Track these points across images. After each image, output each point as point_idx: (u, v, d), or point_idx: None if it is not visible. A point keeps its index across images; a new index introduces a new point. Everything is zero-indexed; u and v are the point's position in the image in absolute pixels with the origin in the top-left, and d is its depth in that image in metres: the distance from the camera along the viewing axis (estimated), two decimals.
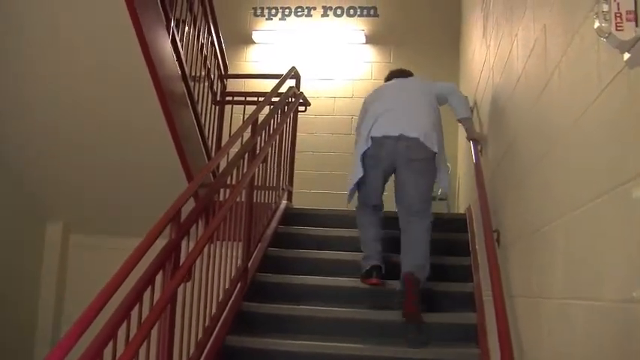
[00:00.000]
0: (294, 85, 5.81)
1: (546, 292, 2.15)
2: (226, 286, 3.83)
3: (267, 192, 4.90)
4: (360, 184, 4.30)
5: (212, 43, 5.48)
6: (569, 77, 1.95)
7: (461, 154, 6.47)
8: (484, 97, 4.27)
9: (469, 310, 4.01)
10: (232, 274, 3.95)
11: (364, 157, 4.22)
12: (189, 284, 3.20)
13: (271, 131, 4.87)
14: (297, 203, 5.99)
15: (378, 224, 4.42)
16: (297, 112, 5.98)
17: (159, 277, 2.91)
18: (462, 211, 5.90)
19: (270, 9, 8.65)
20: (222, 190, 3.90)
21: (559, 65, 2.06)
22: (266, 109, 4.89)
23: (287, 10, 8.67)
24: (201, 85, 5.24)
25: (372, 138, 4.20)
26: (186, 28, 4.81)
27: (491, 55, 3.86)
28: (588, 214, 1.80)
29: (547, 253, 2.15)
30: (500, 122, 3.37)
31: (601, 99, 1.66)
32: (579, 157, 1.93)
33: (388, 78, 4.90)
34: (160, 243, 2.98)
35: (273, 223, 5.03)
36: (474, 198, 4.91)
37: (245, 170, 4.17)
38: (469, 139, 4.46)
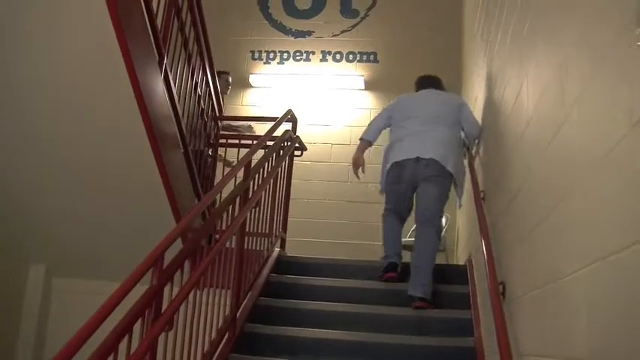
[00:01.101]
0: (290, 128, 5.60)
1: (564, 352, 1.91)
2: (212, 337, 3.56)
3: (259, 238, 4.61)
4: (387, 192, 4.95)
5: (207, 82, 5.27)
6: (590, 117, 1.76)
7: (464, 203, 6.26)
8: (488, 141, 4.08)
9: None
10: (220, 324, 3.68)
11: (388, 174, 4.90)
12: (171, 333, 2.95)
13: (265, 174, 4.68)
14: (291, 251, 5.73)
15: (398, 229, 4.95)
16: (292, 156, 5.78)
17: (138, 326, 2.65)
18: (461, 262, 5.67)
19: (268, 52, 8.58)
20: (211, 235, 3.71)
21: (577, 104, 1.86)
22: (260, 152, 4.65)
23: (285, 54, 8.59)
24: (195, 126, 5.01)
25: (395, 163, 4.82)
26: (180, 65, 4.58)
27: (496, 97, 3.68)
28: (611, 266, 1.59)
29: (565, 308, 1.92)
30: (506, 168, 3.19)
31: (628, 140, 1.45)
32: (601, 206, 1.75)
33: (418, 85, 5.34)
34: (143, 289, 2.73)
35: (265, 271, 4.80)
36: (474, 248, 4.71)
37: (236, 214, 3.89)
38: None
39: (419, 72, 8.38)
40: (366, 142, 5.15)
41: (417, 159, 4.70)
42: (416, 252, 4.61)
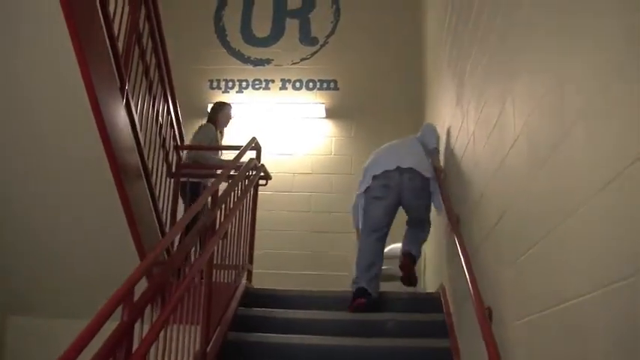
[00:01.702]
0: (254, 157, 5.44)
1: None
2: None
3: (226, 271, 4.51)
4: (366, 211, 5.02)
5: (168, 111, 5.09)
6: (597, 133, 1.66)
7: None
8: (461, 165, 4.00)
9: None
10: None
11: (366, 192, 5.03)
12: None
13: (232, 205, 4.54)
14: (257, 284, 5.56)
15: (375, 252, 4.95)
16: (257, 185, 5.62)
17: None
18: (429, 290, 5.55)
19: (227, 81, 8.46)
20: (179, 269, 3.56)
21: (581, 121, 1.77)
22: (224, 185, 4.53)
23: (244, 83, 8.47)
24: (156, 156, 4.82)
25: (373, 176, 5.01)
26: (141, 93, 4.41)
27: (471, 121, 3.59)
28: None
29: (574, 333, 1.81)
30: (487, 191, 3.07)
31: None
32: (603, 232, 1.69)
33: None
34: (110, 327, 2.54)
35: (233, 305, 4.59)
36: (447, 276, 4.62)
37: (205, 246, 3.72)
38: (435, 167, 5.04)
39: (381, 99, 8.43)
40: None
41: (398, 169, 4.97)
42: (408, 235, 5.20)
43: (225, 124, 6.31)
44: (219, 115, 6.28)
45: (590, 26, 1.78)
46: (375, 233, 4.91)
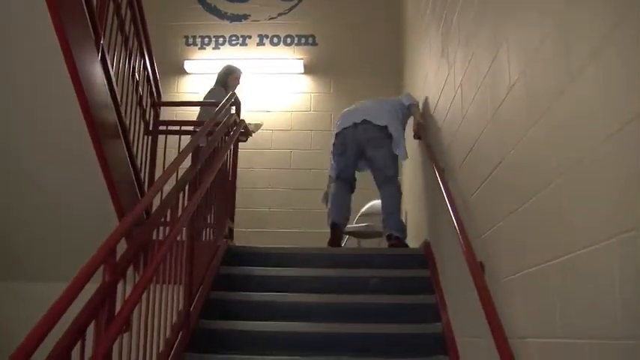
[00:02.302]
0: (234, 112, 5.29)
1: (586, 332, 1.72)
2: (167, 335, 3.27)
3: (208, 229, 4.47)
4: (334, 162, 5.57)
5: (144, 67, 4.90)
6: (605, 82, 1.65)
7: (407, 188, 6.10)
8: (447, 118, 3.90)
9: (440, 353, 3.56)
10: (173, 321, 3.39)
11: (333, 148, 5.56)
12: (126, 335, 2.65)
13: (212, 161, 4.43)
14: (239, 242, 5.47)
15: (345, 194, 5.57)
16: (238, 142, 5.47)
17: (91, 329, 2.35)
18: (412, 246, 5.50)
19: (203, 38, 8.24)
20: (159, 229, 3.43)
21: (590, 67, 1.73)
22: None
23: (221, 39, 8.26)
24: (133, 113, 4.65)
25: (335, 134, 5.52)
26: (117, 48, 4.23)
27: (458, 72, 3.47)
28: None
29: (581, 283, 1.74)
30: (478, 143, 2.98)
31: None
32: (606, 184, 1.65)
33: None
34: (91, 289, 2.43)
35: (215, 263, 4.49)
36: (433, 232, 4.55)
37: (186, 204, 3.71)
38: (417, 125, 5.23)
39: (359, 55, 8.27)
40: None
41: (355, 125, 5.38)
42: (383, 205, 5.37)
43: (234, 88, 6.07)
44: (230, 78, 6.09)
45: None
46: (340, 180, 5.56)
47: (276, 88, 8.09)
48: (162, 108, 5.63)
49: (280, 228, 7.49)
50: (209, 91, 6.02)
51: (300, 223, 7.41)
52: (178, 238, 3.58)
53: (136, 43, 4.73)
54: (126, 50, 4.52)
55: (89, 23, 3.78)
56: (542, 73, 2.13)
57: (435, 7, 4.49)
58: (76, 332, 2.29)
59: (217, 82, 6.19)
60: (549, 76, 2.07)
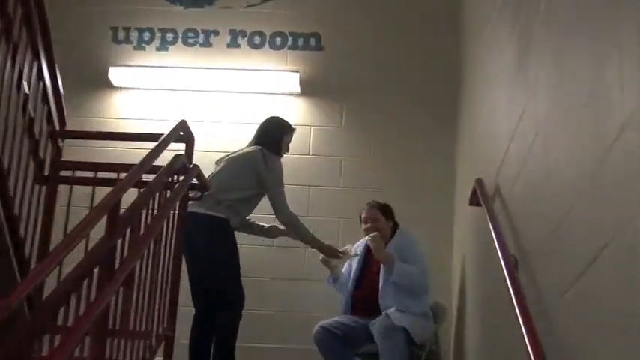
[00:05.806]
0: (183, 152, 4.34)
1: None
2: None
3: (129, 341, 3.46)
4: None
5: (39, 74, 4.04)
6: None
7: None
8: (522, 174, 3.14)
9: None
10: None
11: None
12: None
13: (141, 231, 3.57)
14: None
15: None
16: (187, 199, 4.02)
17: None
18: None
19: (141, 31, 6.60)
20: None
21: None
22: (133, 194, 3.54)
23: (170, 35, 6.62)
24: (17, 148, 3.79)
25: None
26: None
27: (541, 98, 2.75)
28: None
29: None
30: (569, 217, 2.25)
31: None
32: None
33: None
34: None
35: None
36: None
37: (94, 297, 2.96)
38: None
39: (391, 67, 6.12)
40: None
41: None
42: None
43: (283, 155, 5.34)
44: (284, 141, 4.95)
45: None
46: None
47: (255, 117, 5.85)
48: (66, 141, 4.60)
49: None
50: (264, 164, 4.66)
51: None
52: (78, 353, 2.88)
53: (24, 34, 3.77)
54: (8, 47, 3.58)
55: None
56: None
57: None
58: None
59: (265, 146, 4.83)
60: None
